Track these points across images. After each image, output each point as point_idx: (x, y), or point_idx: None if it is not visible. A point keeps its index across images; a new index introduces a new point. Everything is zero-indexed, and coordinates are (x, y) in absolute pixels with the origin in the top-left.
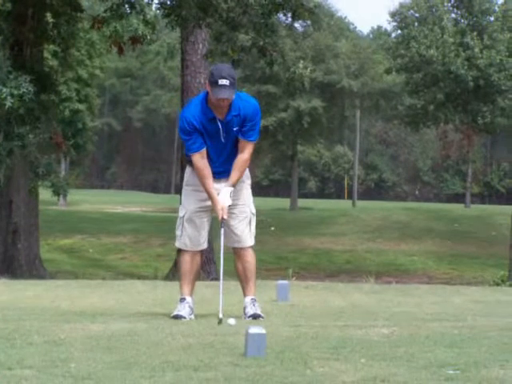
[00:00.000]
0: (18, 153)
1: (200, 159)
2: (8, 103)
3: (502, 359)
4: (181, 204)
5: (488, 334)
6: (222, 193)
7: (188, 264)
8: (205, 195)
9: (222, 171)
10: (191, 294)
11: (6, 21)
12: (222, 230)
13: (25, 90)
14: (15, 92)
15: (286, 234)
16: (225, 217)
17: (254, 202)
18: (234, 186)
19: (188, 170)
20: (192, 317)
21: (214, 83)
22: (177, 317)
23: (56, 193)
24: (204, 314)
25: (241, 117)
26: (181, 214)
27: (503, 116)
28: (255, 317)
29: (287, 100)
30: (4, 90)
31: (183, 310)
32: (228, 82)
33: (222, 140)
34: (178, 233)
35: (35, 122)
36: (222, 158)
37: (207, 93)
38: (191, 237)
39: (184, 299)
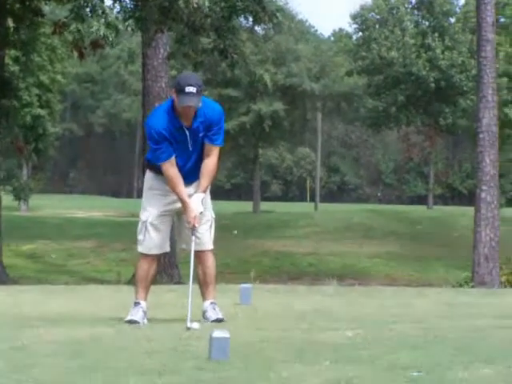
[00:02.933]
0: None
1: (170, 167)
2: None
3: (465, 361)
4: (142, 208)
5: (451, 336)
6: (194, 200)
7: (146, 269)
8: (169, 199)
9: (190, 177)
10: (146, 299)
11: None
12: (193, 238)
13: None
14: None
15: (248, 238)
16: (196, 225)
17: (216, 206)
18: (204, 191)
19: (150, 174)
20: (145, 321)
21: (180, 91)
22: (131, 322)
23: (17, 197)
24: (167, 318)
25: (206, 122)
26: (143, 218)
27: (465, 117)
28: (218, 321)
29: (248, 103)
30: None
31: (136, 314)
32: (195, 89)
33: (190, 148)
34: (140, 237)
35: None
36: (189, 164)
37: (172, 101)
38: (155, 240)
39: (138, 303)
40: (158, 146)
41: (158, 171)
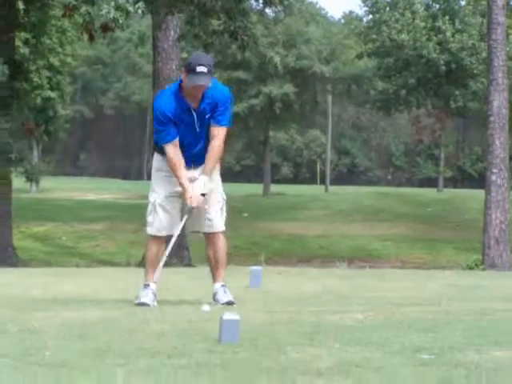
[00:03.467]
0: None
1: (173, 149)
2: None
3: (476, 343)
4: (151, 190)
5: (462, 319)
6: (198, 181)
7: (155, 251)
8: (177, 181)
9: (198, 160)
10: (155, 281)
11: None
12: (184, 218)
13: None
14: None
15: (258, 220)
16: (194, 205)
17: (226, 188)
18: (208, 174)
19: (158, 156)
20: (155, 303)
21: (191, 70)
22: (141, 304)
23: (29, 179)
24: (177, 300)
25: (212, 104)
26: (151, 199)
27: (475, 100)
28: (229, 303)
29: (259, 86)
30: None
31: (146, 296)
32: (206, 69)
33: (197, 129)
34: (149, 219)
35: (7, 109)
36: (198, 146)
37: (180, 83)
38: (164, 222)
39: (148, 285)
40: (163, 128)
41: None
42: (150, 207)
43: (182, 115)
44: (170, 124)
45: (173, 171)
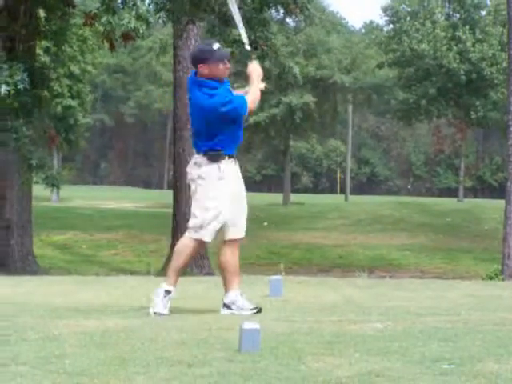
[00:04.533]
0: (11, 146)
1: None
2: (3, 90)
3: (496, 353)
4: (213, 198)
5: (482, 329)
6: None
7: (193, 257)
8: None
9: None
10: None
11: None
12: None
13: (18, 79)
14: (10, 80)
15: (278, 229)
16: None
17: (247, 197)
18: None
19: (215, 165)
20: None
21: (219, 54)
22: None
23: (50, 184)
24: (198, 309)
25: None
26: (218, 207)
27: (495, 110)
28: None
29: (279, 95)
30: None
31: (164, 307)
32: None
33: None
34: (213, 225)
35: (28, 116)
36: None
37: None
38: (217, 232)
39: (170, 292)
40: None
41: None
42: (213, 213)
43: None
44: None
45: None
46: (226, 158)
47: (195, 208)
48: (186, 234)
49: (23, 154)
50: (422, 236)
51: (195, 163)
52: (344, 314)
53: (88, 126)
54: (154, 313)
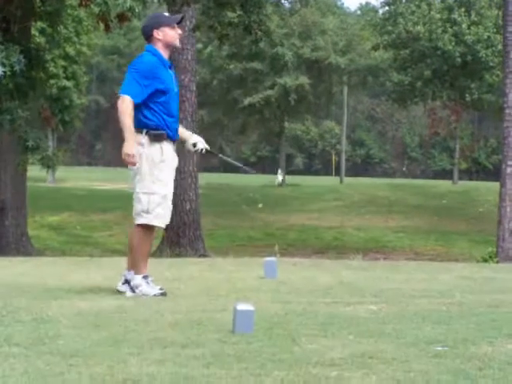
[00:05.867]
0: (6, 128)
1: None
2: None
3: (490, 336)
4: (157, 180)
5: (476, 311)
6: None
7: (150, 243)
8: (174, 166)
9: (176, 127)
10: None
11: None
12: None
13: (15, 60)
14: (6, 62)
15: (273, 211)
16: (206, 146)
17: (242, 179)
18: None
19: (158, 145)
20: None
21: (171, 21)
22: (164, 294)
23: (46, 165)
24: (191, 291)
25: None
26: (162, 191)
27: (491, 92)
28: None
29: (274, 77)
30: None
31: (155, 287)
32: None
33: (175, 89)
34: (159, 211)
35: (24, 98)
36: (177, 111)
37: (153, 49)
38: (169, 214)
39: (147, 276)
40: (148, 82)
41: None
42: (157, 199)
43: (165, 73)
44: (148, 81)
45: (129, 127)
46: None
47: None
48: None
49: (19, 136)
50: (417, 218)
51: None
52: (338, 296)
53: (83, 107)
54: (154, 295)
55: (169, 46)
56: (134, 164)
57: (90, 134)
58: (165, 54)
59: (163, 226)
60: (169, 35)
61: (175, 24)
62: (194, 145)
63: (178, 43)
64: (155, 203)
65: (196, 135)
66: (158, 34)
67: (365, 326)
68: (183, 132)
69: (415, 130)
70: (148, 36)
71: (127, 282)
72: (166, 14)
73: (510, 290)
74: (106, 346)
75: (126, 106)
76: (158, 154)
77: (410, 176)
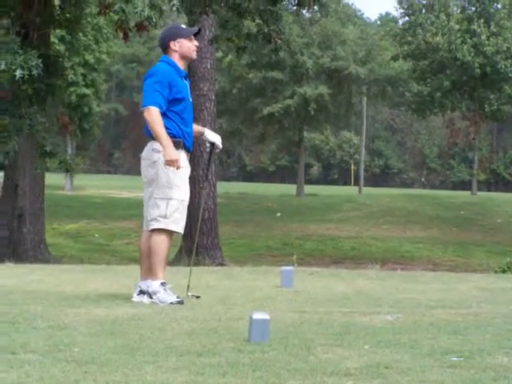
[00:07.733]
0: (25, 133)
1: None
2: (18, 74)
3: (506, 346)
4: (174, 186)
5: (492, 322)
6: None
7: (168, 248)
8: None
9: (192, 138)
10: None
11: (12, 5)
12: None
13: (33, 64)
14: (25, 65)
15: (291, 220)
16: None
17: (260, 188)
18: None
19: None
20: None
21: (188, 32)
22: (181, 302)
23: (64, 169)
24: (208, 299)
25: None
26: (179, 196)
27: (510, 104)
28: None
29: (293, 87)
30: (14, 60)
31: (172, 295)
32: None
33: (190, 99)
34: (177, 216)
35: (42, 104)
36: (191, 122)
37: (168, 59)
38: (184, 219)
39: (165, 283)
40: (162, 90)
41: (184, 146)
42: (176, 204)
43: (180, 82)
44: (167, 90)
45: (165, 135)
46: None
47: None
48: None
49: (37, 141)
50: (435, 229)
51: None
52: (354, 306)
53: (102, 115)
54: (171, 303)
55: (185, 57)
56: (179, 167)
57: (109, 142)
58: (181, 65)
59: (181, 231)
60: (185, 47)
61: (192, 36)
62: (213, 145)
63: (194, 55)
64: (173, 208)
65: (211, 131)
66: (175, 45)
67: (381, 336)
68: (196, 126)
69: (434, 141)
70: (165, 47)
71: (142, 292)
72: (184, 25)
73: None
74: (122, 353)
75: (154, 116)
76: None
77: (428, 187)
